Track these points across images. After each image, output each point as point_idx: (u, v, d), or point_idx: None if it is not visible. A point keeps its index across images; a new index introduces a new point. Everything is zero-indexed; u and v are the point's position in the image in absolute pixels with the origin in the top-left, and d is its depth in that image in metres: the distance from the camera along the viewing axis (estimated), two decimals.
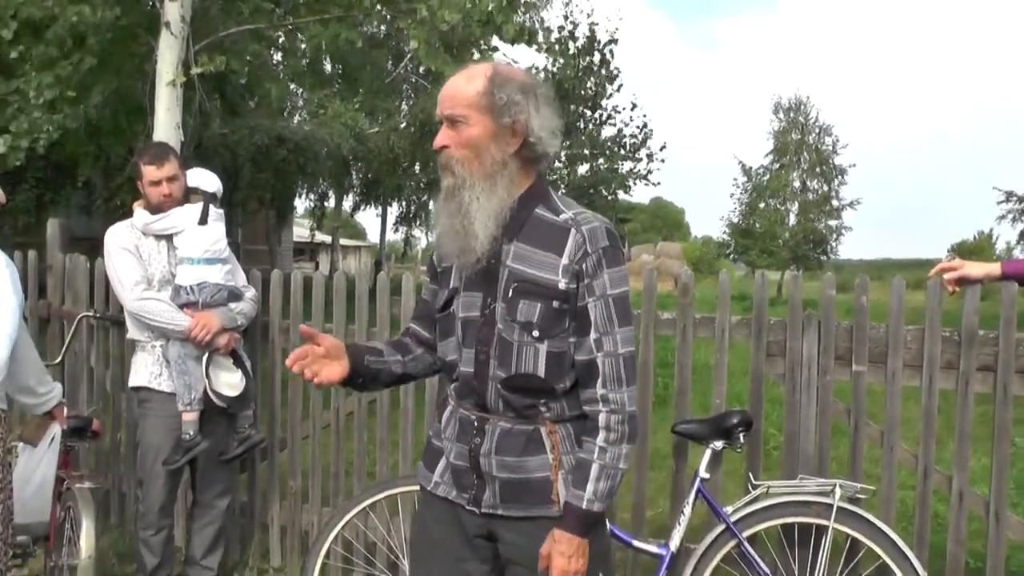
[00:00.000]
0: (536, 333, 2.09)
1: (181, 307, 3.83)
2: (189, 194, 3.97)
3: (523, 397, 2.13)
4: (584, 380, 2.13)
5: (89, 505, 3.65)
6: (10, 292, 3.42)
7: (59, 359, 4.65)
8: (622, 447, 2.11)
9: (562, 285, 2.08)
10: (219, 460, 4.04)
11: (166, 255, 3.93)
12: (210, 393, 3.85)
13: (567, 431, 2.17)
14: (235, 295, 4.00)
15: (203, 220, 3.92)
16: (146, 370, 3.93)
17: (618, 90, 23.80)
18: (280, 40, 8.46)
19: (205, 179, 4.02)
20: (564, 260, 2.08)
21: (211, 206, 3.97)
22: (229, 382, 3.94)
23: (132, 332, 4.00)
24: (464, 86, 2.09)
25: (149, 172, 3.87)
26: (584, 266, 2.08)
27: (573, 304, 2.10)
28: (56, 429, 3.83)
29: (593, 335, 2.09)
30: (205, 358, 3.86)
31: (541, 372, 2.11)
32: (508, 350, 2.12)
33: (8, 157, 7.04)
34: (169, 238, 3.93)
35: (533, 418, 2.15)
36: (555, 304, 2.09)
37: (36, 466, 3.81)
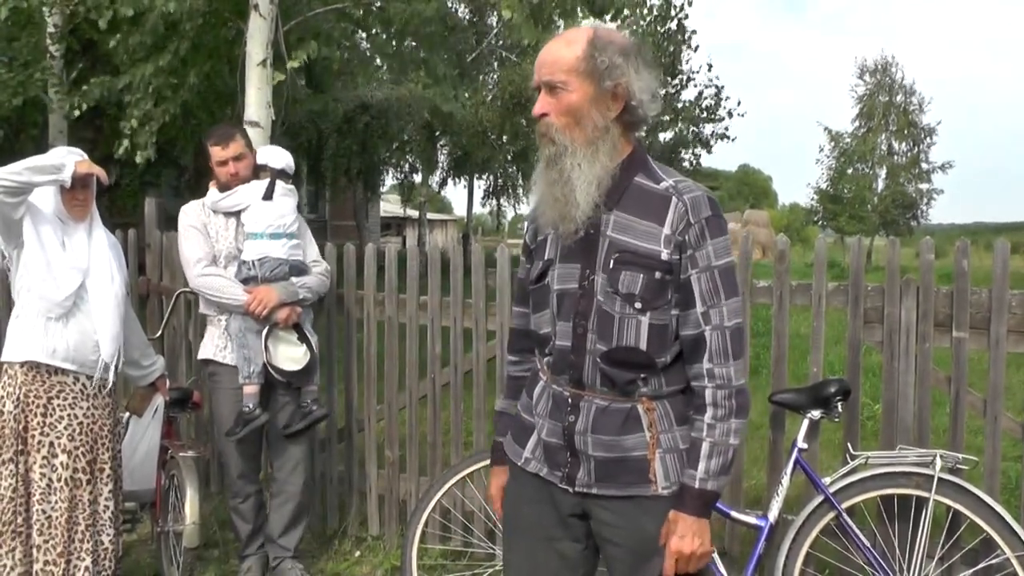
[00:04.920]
0: (639, 305, 2.04)
1: (243, 281, 3.91)
2: (259, 171, 4.06)
3: (623, 371, 2.08)
4: (690, 355, 2.08)
5: (192, 473, 3.78)
6: (116, 269, 3.56)
7: (159, 333, 4.77)
8: (731, 423, 2.05)
9: (665, 256, 2.02)
10: (283, 434, 4.09)
11: (234, 232, 4.02)
12: (269, 367, 3.91)
13: (665, 408, 2.11)
14: (298, 269, 4.04)
15: (268, 196, 3.99)
16: (212, 343, 4.04)
17: (695, 51, 23.46)
18: (363, 19, 8.53)
19: (273, 156, 4.11)
20: (666, 230, 2.02)
21: (279, 182, 4.04)
22: (291, 356, 3.98)
23: (202, 307, 4.13)
24: (563, 51, 2.02)
25: (215, 152, 3.99)
26: (687, 237, 2.02)
27: (676, 275, 2.04)
28: (159, 400, 3.98)
29: (700, 308, 2.04)
30: (264, 332, 3.91)
31: (643, 345, 2.05)
32: (609, 322, 2.06)
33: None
34: (238, 215, 4.02)
35: (631, 395, 2.09)
36: (657, 275, 2.02)
37: (142, 436, 3.98)
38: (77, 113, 7.74)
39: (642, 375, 2.08)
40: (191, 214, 4.03)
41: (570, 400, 2.14)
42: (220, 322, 4.01)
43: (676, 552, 2.05)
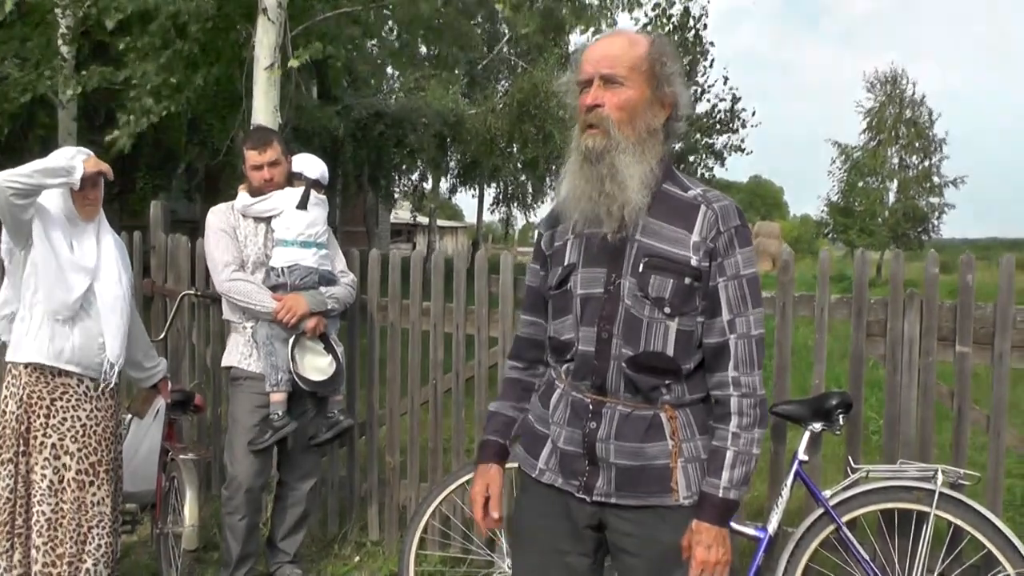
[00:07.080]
0: (668, 310, 2.04)
1: (272, 288, 3.89)
2: (292, 179, 4.04)
3: (648, 377, 2.07)
4: (713, 363, 2.08)
5: (193, 475, 3.78)
6: (122, 271, 3.56)
7: (162, 335, 4.78)
8: (754, 432, 2.06)
9: (694, 262, 2.03)
10: (309, 444, 4.07)
11: (263, 237, 3.99)
12: (295, 376, 3.89)
13: (687, 417, 2.11)
14: (327, 279, 4.02)
15: (302, 204, 3.97)
16: (237, 350, 4.01)
17: (711, 65, 23.42)
18: (371, 21, 8.53)
19: (309, 164, 4.08)
20: (695, 237, 2.04)
21: (313, 191, 4.02)
22: (317, 366, 3.96)
23: (226, 313, 4.08)
24: (627, 48, 2.05)
25: (251, 157, 3.95)
26: (717, 244, 2.04)
27: (704, 282, 2.05)
28: (161, 402, 3.98)
29: (726, 316, 2.05)
30: (291, 341, 3.89)
31: (670, 351, 2.06)
32: (636, 327, 2.06)
33: (118, 143, 7.28)
34: (268, 220, 3.99)
35: (654, 402, 2.09)
36: (687, 280, 2.04)
37: (143, 438, 3.97)
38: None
39: (666, 381, 2.08)
40: (220, 217, 3.99)
41: (591, 407, 2.12)
42: (245, 329, 3.98)
43: (703, 562, 2.04)
